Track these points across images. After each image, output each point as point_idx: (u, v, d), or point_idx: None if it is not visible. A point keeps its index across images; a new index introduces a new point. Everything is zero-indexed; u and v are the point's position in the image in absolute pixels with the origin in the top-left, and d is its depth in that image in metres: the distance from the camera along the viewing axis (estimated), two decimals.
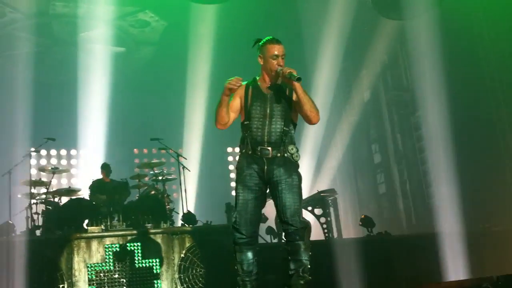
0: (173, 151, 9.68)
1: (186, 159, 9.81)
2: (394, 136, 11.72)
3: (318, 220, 9.09)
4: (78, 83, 11.51)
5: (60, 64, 12.22)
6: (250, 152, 4.19)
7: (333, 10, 11.11)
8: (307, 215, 9.29)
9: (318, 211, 9.14)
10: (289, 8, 11.67)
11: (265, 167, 4.15)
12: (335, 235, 8.90)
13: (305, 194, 10.14)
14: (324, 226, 8.98)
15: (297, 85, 4.05)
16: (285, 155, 4.17)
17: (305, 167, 11.84)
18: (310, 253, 4.14)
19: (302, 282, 4.07)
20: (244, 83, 4.27)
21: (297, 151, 4.22)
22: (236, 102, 4.26)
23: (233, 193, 4.48)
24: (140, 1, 11.80)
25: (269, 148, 4.15)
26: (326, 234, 8.91)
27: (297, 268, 4.09)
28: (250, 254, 4.20)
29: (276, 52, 4.16)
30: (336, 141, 12.52)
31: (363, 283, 6.81)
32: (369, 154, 12.66)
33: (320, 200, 9.14)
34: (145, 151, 13.01)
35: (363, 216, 8.69)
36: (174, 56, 12.11)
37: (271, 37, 4.25)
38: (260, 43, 4.26)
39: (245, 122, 4.23)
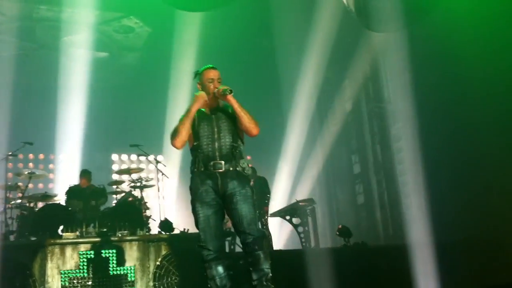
0: (153, 158, 9.67)
1: (165, 166, 9.80)
2: (374, 147, 11.79)
3: (296, 229, 9.15)
4: (59, 87, 11.43)
5: (42, 68, 12.12)
6: (202, 169, 4.32)
7: (318, 20, 11.18)
8: (285, 224, 9.35)
9: (296, 220, 9.20)
10: (274, 18, 11.71)
11: (219, 181, 4.27)
12: (312, 244, 8.94)
13: (283, 203, 10.30)
14: (302, 235, 9.04)
15: (232, 100, 4.27)
16: (237, 169, 4.32)
17: (285, 176, 11.89)
18: (270, 262, 4.24)
19: None
20: None
21: (248, 165, 4.40)
22: None
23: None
24: (124, 6, 11.73)
25: (222, 161, 4.29)
26: (303, 243, 8.95)
27: (260, 278, 4.19)
28: (220, 269, 4.30)
29: (211, 76, 4.45)
30: (317, 151, 12.56)
31: None
32: (349, 164, 12.73)
33: (298, 209, 9.21)
34: (124, 157, 12.96)
35: (340, 226, 8.71)
36: (158, 62, 12.09)
37: (207, 65, 4.55)
38: (199, 71, 4.54)
39: (195, 143, 4.40)
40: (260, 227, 4.40)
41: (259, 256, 4.20)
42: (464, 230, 8.71)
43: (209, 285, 4.30)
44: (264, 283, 4.16)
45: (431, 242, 7.97)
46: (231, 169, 4.29)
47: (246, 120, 4.30)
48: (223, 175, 4.27)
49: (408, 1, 9.54)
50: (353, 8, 10.34)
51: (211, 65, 4.54)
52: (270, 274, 4.21)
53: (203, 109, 4.50)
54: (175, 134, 4.37)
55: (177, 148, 4.47)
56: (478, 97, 9.11)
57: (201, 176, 4.31)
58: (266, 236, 4.34)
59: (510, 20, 8.07)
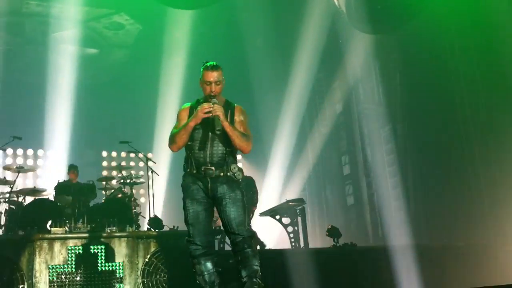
0: (143, 155, 9.62)
1: (155, 163, 9.76)
2: (364, 149, 11.80)
3: (286, 229, 9.10)
4: (48, 83, 11.34)
5: (31, 63, 12.03)
6: (194, 172, 4.35)
7: (309, 21, 11.19)
8: (275, 223, 9.32)
9: (286, 220, 9.15)
10: (265, 17, 11.70)
11: (209, 185, 4.31)
12: (302, 244, 8.91)
13: (273, 203, 10.27)
14: (291, 235, 9.00)
15: (222, 124, 4.21)
16: (228, 174, 4.33)
17: (275, 176, 11.88)
18: (259, 259, 4.26)
19: (256, 287, 4.17)
20: (188, 104, 4.46)
21: (239, 170, 4.40)
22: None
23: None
24: (115, 3, 11.71)
25: (213, 168, 4.31)
26: (293, 243, 8.93)
27: (250, 274, 4.21)
28: (209, 265, 4.31)
29: (210, 79, 4.31)
30: (307, 152, 12.57)
31: None
32: (339, 165, 12.72)
33: (288, 209, 9.16)
34: (114, 154, 12.87)
35: (329, 226, 8.69)
36: (148, 59, 12.05)
37: (210, 63, 4.36)
38: (201, 68, 4.39)
39: (189, 143, 4.36)
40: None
41: (248, 254, 4.22)
42: (453, 234, 8.75)
43: (197, 281, 4.29)
44: (254, 279, 4.18)
45: (417, 245, 7.99)
46: (221, 174, 4.32)
47: (237, 142, 4.30)
48: (213, 180, 4.32)
49: (399, 3, 9.58)
50: (344, 9, 10.36)
51: (212, 64, 4.35)
52: (260, 272, 4.23)
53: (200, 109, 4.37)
54: (172, 141, 4.36)
55: (173, 151, 4.48)
56: (469, 101, 9.19)
57: (193, 177, 4.36)
58: (255, 236, 4.35)
59: (499, 20, 8.13)
